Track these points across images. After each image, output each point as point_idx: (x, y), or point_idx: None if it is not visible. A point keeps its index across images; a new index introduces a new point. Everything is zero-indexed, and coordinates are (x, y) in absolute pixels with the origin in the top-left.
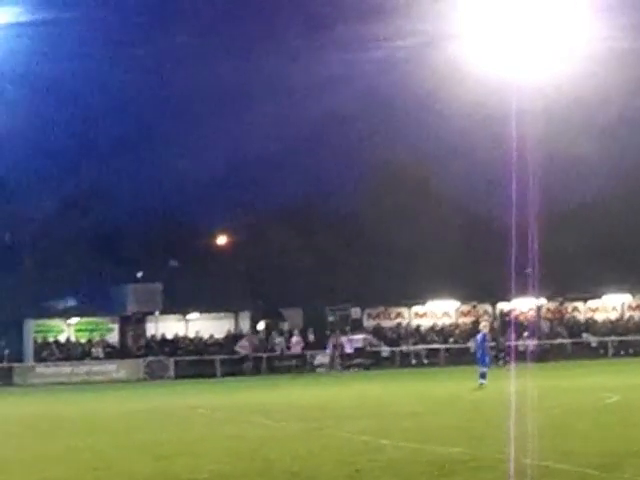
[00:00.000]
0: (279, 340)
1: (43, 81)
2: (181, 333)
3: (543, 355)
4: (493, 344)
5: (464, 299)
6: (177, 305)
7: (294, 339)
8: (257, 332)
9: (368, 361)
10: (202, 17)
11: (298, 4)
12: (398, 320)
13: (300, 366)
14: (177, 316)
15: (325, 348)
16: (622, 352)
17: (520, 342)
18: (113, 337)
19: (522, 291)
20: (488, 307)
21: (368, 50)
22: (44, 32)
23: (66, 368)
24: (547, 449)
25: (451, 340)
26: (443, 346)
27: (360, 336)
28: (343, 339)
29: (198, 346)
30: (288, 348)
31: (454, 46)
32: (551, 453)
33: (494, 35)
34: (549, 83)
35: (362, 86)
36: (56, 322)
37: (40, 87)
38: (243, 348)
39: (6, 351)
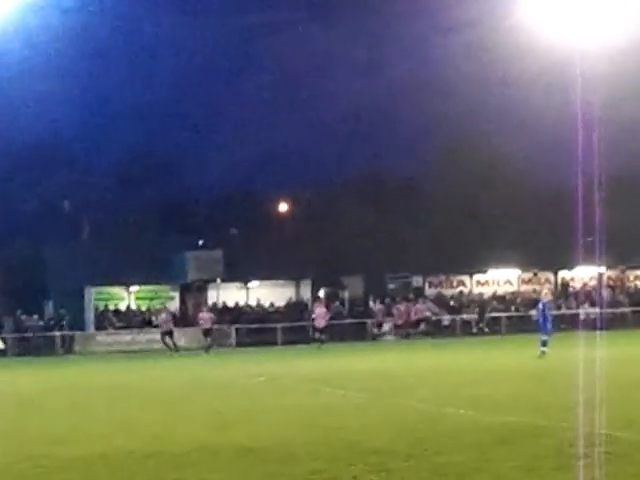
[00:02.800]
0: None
1: (111, 48)
2: (242, 301)
3: (604, 324)
4: (555, 312)
5: (525, 267)
6: (238, 273)
7: (317, 310)
8: (319, 299)
9: (429, 329)
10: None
11: None
12: (460, 288)
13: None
14: (238, 284)
15: (388, 316)
16: None
17: (581, 310)
18: (174, 305)
19: (584, 259)
20: (550, 275)
21: (432, 19)
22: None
23: (126, 336)
24: (609, 418)
25: (513, 308)
26: (505, 314)
27: (422, 305)
28: (403, 308)
29: (259, 314)
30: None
31: (516, 13)
32: (613, 421)
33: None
34: (614, 48)
35: (426, 57)
36: (117, 290)
37: (108, 55)
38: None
39: (65, 319)
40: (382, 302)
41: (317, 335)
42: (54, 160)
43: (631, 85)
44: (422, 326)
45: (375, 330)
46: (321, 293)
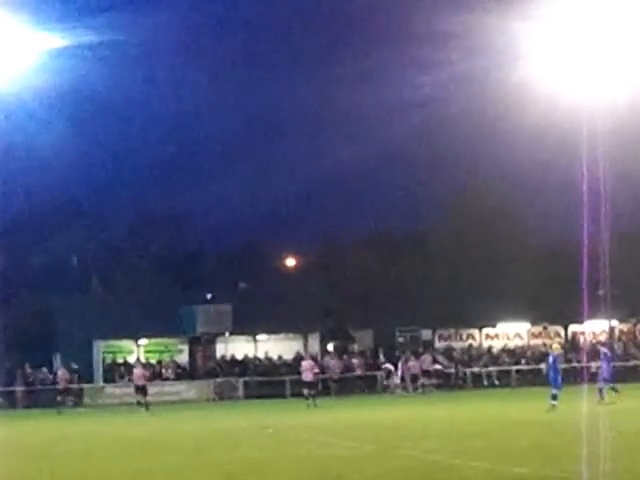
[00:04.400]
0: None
1: (114, 105)
2: (250, 354)
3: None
4: (565, 366)
5: (535, 320)
6: (246, 326)
7: (304, 364)
8: (328, 353)
9: (438, 382)
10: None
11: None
12: (469, 341)
13: (370, 387)
14: (246, 337)
15: (395, 370)
16: None
17: (592, 364)
18: (183, 358)
19: (594, 313)
20: (560, 329)
21: (438, 72)
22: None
23: None
24: (619, 470)
25: (523, 362)
26: (514, 367)
27: (430, 357)
28: (412, 362)
29: (267, 367)
30: (323, 372)
31: (524, 67)
32: (623, 474)
33: (564, 55)
34: (621, 103)
35: (433, 110)
36: (125, 343)
37: (117, 112)
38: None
39: (75, 373)
40: (390, 360)
41: (305, 391)
42: (64, 214)
43: (638, 140)
44: (427, 380)
45: (385, 382)
46: (330, 347)
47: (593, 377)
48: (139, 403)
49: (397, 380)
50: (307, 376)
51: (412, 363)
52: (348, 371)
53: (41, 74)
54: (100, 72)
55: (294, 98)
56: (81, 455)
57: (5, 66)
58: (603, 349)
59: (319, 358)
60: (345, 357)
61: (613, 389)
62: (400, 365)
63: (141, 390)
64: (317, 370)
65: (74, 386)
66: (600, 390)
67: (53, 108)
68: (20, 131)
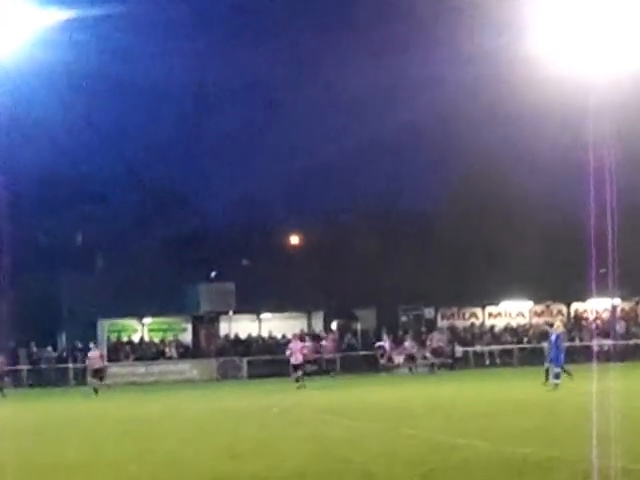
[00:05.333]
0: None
1: (122, 81)
2: (254, 333)
3: (618, 355)
4: (567, 344)
5: (538, 299)
6: (250, 305)
7: (292, 345)
8: (331, 332)
9: (441, 361)
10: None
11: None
12: (472, 320)
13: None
14: (250, 316)
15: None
16: None
17: (595, 342)
18: (186, 337)
19: (597, 291)
20: (562, 307)
21: (445, 51)
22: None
23: (140, 368)
24: (623, 450)
25: (525, 340)
26: (517, 346)
27: (438, 335)
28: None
29: (271, 346)
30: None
31: (529, 45)
32: (627, 454)
33: (569, 31)
34: (628, 79)
35: (438, 90)
36: (130, 322)
37: (124, 89)
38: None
39: (80, 351)
40: (394, 337)
41: (294, 373)
42: (69, 193)
43: None
44: (435, 359)
45: (382, 361)
46: (333, 325)
47: (598, 355)
48: (96, 390)
49: (400, 359)
50: (297, 358)
51: (409, 343)
52: (350, 350)
53: (44, 48)
54: (104, 47)
55: (299, 77)
56: (82, 434)
57: (8, 40)
58: (551, 330)
59: (324, 336)
60: (349, 336)
61: (566, 372)
62: (407, 344)
63: (98, 373)
64: (306, 351)
65: (78, 365)
66: (546, 371)
67: (58, 84)
68: (24, 107)
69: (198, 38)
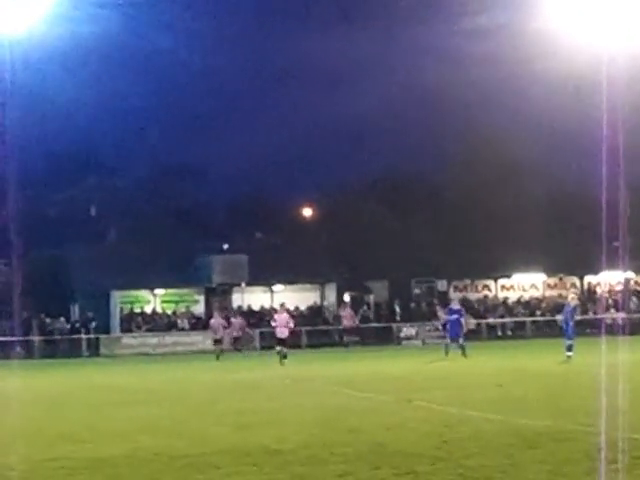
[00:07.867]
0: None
1: (132, 57)
2: (267, 305)
3: (631, 329)
4: (581, 317)
5: (551, 272)
6: (263, 277)
7: (277, 317)
8: (344, 303)
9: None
10: None
11: None
12: (484, 292)
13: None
14: (263, 288)
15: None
16: None
17: (607, 315)
18: (199, 308)
19: (610, 264)
20: (575, 280)
21: (455, 23)
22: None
23: (152, 339)
24: (635, 422)
25: (538, 313)
26: (530, 319)
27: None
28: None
29: None
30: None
31: (541, 17)
32: (639, 426)
33: (581, 3)
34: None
35: (449, 61)
36: (142, 293)
37: (134, 64)
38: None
39: (93, 324)
40: (406, 307)
41: (278, 348)
42: (81, 165)
43: None
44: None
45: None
46: (346, 297)
47: (610, 328)
48: None
49: (412, 331)
50: (282, 332)
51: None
52: (363, 322)
53: (58, 23)
54: (117, 21)
55: (307, 47)
56: (93, 405)
57: (23, 15)
58: (452, 304)
59: (335, 309)
60: (365, 308)
61: (461, 347)
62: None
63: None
64: (292, 324)
65: (91, 336)
66: (446, 345)
67: (69, 58)
68: (37, 82)
69: (209, 10)
